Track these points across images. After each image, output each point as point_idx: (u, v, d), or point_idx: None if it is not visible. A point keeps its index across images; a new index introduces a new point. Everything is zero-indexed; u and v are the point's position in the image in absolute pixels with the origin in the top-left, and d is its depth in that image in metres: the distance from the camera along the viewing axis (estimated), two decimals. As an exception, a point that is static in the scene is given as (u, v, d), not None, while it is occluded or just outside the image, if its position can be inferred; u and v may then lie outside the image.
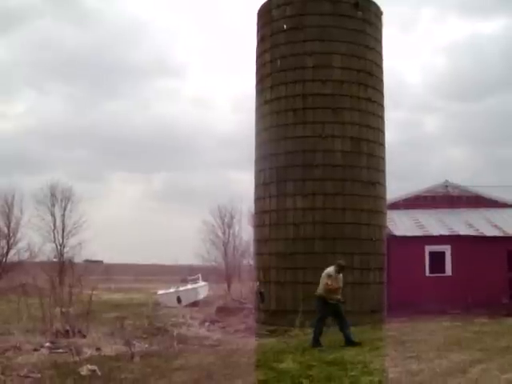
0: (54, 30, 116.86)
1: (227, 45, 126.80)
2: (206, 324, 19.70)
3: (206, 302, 29.14)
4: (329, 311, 12.43)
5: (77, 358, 11.31)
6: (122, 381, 9.01)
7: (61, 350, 12.52)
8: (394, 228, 23.15)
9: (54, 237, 46.43)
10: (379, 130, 19.30)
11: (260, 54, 20.07)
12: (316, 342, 12.21)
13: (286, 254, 18.04)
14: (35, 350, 12.62)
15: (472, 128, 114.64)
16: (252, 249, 23.90)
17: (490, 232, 23.54)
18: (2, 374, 9.69)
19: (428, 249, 22.94)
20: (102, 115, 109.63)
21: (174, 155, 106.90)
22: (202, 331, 17.89)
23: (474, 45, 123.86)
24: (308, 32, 18.68)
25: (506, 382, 8.40)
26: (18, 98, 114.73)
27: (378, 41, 19.92)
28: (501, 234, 23.32)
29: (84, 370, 9.67)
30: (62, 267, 37.66)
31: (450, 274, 22.70)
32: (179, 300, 29.42)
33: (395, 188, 29.05)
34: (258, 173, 19.59)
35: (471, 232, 23.46)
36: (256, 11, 20.55)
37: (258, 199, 19.67)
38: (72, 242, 46.61)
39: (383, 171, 19.41)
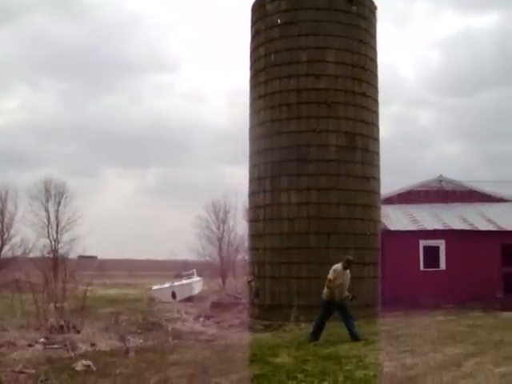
0: (48, 25, 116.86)
1: (222, 39, 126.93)
2: (201, 319, 19.72)
3: (201, 297, 29.13)
4: (333, 309, 12.32)
5: (71, 354, 11.31)
6: (116, 376, 9.00)
7: (55, 346, 12.46)
8: (388, 223, 23.21)
9: (48, 232, 46.10)
10: (373, 125, 19.30)
11: (254, 49, 20.00)
12: (313, 336, 12.16)
13: (280, 249, 18.03)
14: (30, 345, 12.54)
15: (466, 123, 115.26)
16: (246, 244, 23.87)
17: (484, 226, 23.64)
18: (-3, 369, 9.66)
19: (422, 243, 23.04)
20: (96, 110, 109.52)
21: (169, 150, 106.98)
22: (197, 326, 17.89)
23: (468, 39, 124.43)
24: (302, 26, 18.63)
25: (500, 376, 8.44)
26: (11, 94, 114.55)
27: (373, 35, 19.90)
28: (495, 229, 23.43)
29: (79, 366, 9.67)
30: (55, 263, 37.50)
31: (445, 268, 22.81)
32: (174, 295, 29.42)
33: (389, 182, 29.05)
34: (253, 167, 19.56)
35: (465, 226, 23.55)
36: (250, 6, 20.51)
37: (252, 194, 19.65)
38: (66, 237, 46.48)
39: (377, 166, 19.43)
